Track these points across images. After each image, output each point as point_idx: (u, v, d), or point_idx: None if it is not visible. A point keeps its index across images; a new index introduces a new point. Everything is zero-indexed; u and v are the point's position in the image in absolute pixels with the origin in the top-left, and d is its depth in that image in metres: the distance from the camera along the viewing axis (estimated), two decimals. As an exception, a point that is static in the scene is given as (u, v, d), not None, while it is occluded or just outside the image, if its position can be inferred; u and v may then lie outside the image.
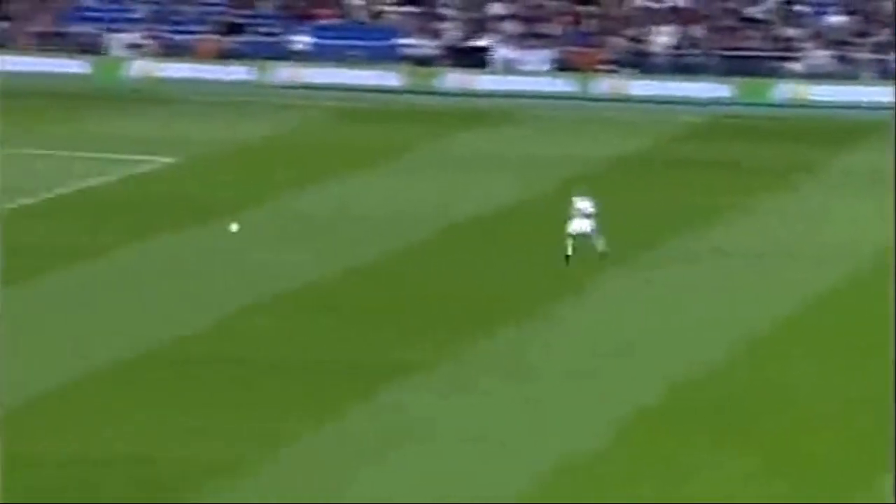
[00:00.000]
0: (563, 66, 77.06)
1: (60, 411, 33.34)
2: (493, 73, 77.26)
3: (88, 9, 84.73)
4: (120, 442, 31.60)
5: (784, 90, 72.98)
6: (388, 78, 77.25)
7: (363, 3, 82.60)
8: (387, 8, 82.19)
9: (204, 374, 36.07)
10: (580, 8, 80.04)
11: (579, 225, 44.30)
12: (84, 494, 29.01)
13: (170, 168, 58.94)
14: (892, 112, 62.92)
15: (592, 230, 44.22)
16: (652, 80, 75.02)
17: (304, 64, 78.38)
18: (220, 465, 30.41)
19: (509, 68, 77.47)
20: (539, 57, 77.67)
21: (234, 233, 44.44)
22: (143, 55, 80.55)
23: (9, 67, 79.37)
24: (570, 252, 44.16)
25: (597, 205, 44.16)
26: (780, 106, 71.23)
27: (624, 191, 55.17)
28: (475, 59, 78.19)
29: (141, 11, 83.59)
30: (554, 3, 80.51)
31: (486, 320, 39.73)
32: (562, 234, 48.64)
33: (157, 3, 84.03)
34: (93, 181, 55.86)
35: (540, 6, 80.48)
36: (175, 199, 53.46)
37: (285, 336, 38.71)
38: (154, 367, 36.45)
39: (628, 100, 73.72)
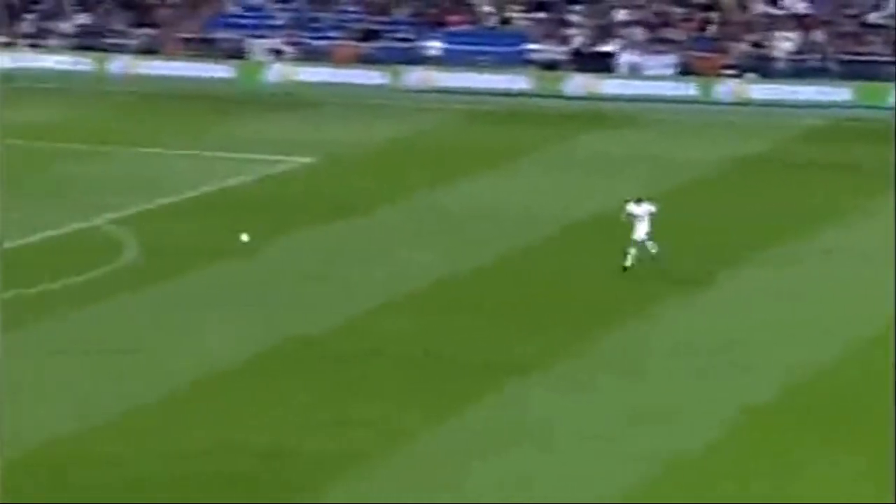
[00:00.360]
0: (685, 71, 76.73)
1: (201, 404, 33.70)
2: (617, 77, 77.02)
3: (232, 16, 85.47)
4: (257, 433, 31.93)
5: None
6: (516, 81, 77.31)
7: (493, 9, 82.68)
8: (515, 14, 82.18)
9: (337, 369, 36.32)
10: (703, 14, 79.66)
11: (639, 231, 43.12)
12: (223, 482, 29.37)
13: (307, 168, 59.32)
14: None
15: (648, 234, 43.09)
16: (773, 84, 74.53)
17: (436, 68, 78.57)
18: (351, 456, 30.66)
19: (634, 73, 77.22)
20: (663, 62, 77.38)
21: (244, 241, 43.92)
22: (284, 60, 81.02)
23: (157, 72, 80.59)
24: (629, 264, 42.99)
25: (656, 207, 43.58)
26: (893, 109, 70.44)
27: (744, 192, 55.08)
28: (601, 63, 78.06)
29: (282, 18, 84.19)
30: (678, 10, 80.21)
31: (604, 319, 39.70)
32: (683, 236, 48.58)
33: (296, 10, 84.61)
34: (234, 180, 56.35)
35: (664, 13, 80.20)
36: (312, 197, 53.85)
37: (414, 333, 38.90)
38: (290, 361, 36.83)
39: (749, 103, 73.22)
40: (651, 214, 43.11)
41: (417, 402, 33.72)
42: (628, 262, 42.68)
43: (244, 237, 44.61)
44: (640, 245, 42.74)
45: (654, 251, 42.79)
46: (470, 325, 39.51)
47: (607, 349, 37.57)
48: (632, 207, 43.24)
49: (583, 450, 31.17)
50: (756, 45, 77.53)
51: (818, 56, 76.22)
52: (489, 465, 30.46)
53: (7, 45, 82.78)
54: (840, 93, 72.86)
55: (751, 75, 75.73)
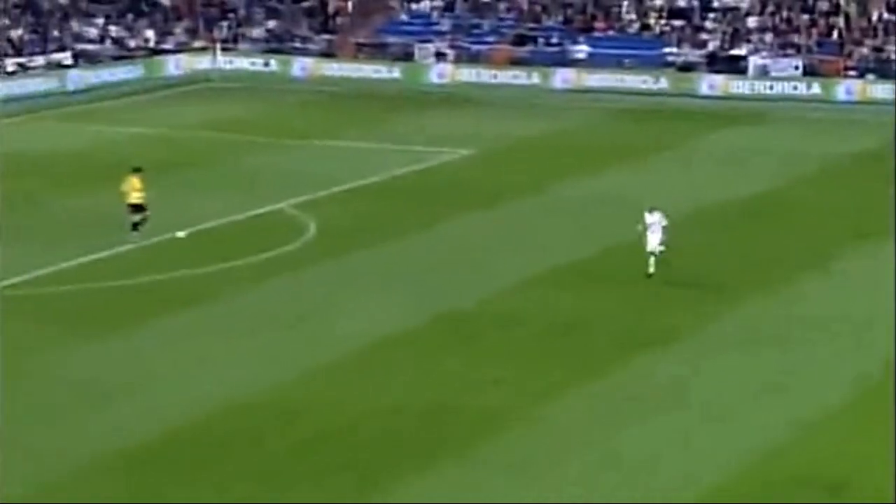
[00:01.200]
0: (810, 72, 75.87)
1: (367, 368, 34.09)
2: (748, 78, 76.35)
3: (402, 23, 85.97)
4: (417, 394, 32.15)
5: None
6: (655, 82, 76.90)
7: (634, 17, 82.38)
8: (655, 21, 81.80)
9: (491, 335, 36.48)
10: (827, 20, 78.77)
11: (653, 240, 40.62)
12: (384, 440, 29.64)
13: (466, 159, 59.51)
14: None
15: (662, 244, 40.64)
16: (891, 84, 73.40)
17: (583, 70, 78.39)
18: (501, 414, 30.76)
19: (762, 74, 76.50)
20: (789, 64, 76.58)
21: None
22: (446, 62, 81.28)
23: (335, 73, 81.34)
24: (651, 270, 40.52)
25: (667, 217, 40.93)
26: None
27: (864, 181, 54.47)
28: (732, 65, 77.46)
29: (445, 25, 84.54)
30: (803, 17, 79.36)
31: (736, 294, 39.48)
32: (810, 219, 48.18)
33: (458, 17, 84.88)
34: (401, 170, 56.71)
35: (791, 19, 79.38)
36: (470, 185, 54.05)
37: (558, 303, 38.95)
38: (445, 328, 37.08)
39: (869, 102, 72.23)
40: (664, 226, 40.77)
41: (562, 365, 33.82)
42: (650, 269, 40.50)
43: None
44: (655, 253, 40.58)
45: (660, 252, 40.65)
46: (607, 296, 39.58)
47: (740, 322, 37.27)
48: (647, 217, 40.92)
49: (711, 416, 31.02)
50: (876, 48, 76.49)
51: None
52: (629, 426, 30.46)
53: (205, 49, 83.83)
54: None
55: (871, 76, 74.69)
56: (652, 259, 40.34)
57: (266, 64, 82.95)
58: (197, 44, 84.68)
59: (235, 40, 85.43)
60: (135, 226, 44.03)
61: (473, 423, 30.38)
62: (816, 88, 74.56)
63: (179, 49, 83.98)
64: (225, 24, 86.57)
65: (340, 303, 38.95)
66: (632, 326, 36.75)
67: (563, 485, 27.45)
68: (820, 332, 36.39)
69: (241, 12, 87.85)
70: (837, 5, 79.50)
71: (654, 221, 40.62)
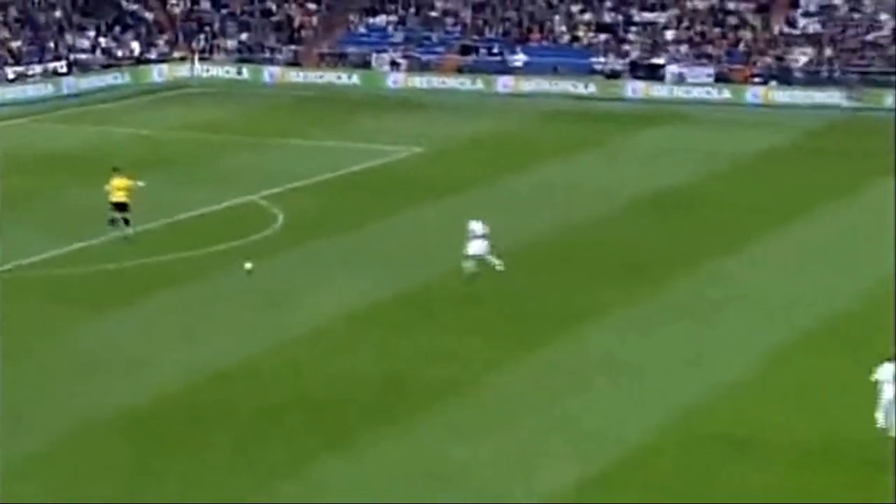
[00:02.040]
0: (721, 79, 76.01)
1: (334, 341, 33.87)
2: (666, 84, 76.38)
3: (360, 35, 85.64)
4: (378, 364, 31.92)
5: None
6: (584, 88, 76.82)
7: (566, 30, 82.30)
8: (583, 33, 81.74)
9: (446, 311, 36.30)
10: (735, 33, 78.93)
11: (475, 247, 38.10)
12: (348, 405, 29.44)
13: (419, 156, 59.29)
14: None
15: (486, 251, 38.18)
16: (792, 90, 73.69)
17: (521, 77, 78.28)
18: (455, 384, 30.55)
19: (679, 80, 76.55)
20: (702, 72, 76.68)
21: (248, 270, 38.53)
22: (400, 70, 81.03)
23: (301, 80, 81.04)
24: (468, 273, 38.21)
25: (488, 227, 38.40)
26: (893, 110, 69.46)
27: (770, 175, 54.63)
28: (653, 73, 77.53)
29: (398, 37, 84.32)
30: (715, 30, 79.49)
31: (661, 273, 39.42)
32: (724, 209, 48.18)
33: (410, 30, 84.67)
34: (360, 166, 56.40)
35: (703, 33, 79.49)
36: (424, 178, 53.90)
37: (506, 283, 38.74)
38: (405, 306, 36.88)
39: (773, 106, 72.43)
40: (485, 234, 38.27)
41: (507, 340, 33.62)
42: (467, 273, 38.21)
43: (248, 265, 38.96)
44: (479, 259, 38.20)
45: (498, 265, 38.39)
46: (550, 275, 39.44)
47: (665, 300, 37.17)
48: (472, 225, 38.41)
49: (646, 381, 30.96)
50: (778, 58, 76.71)
51: (827, 67, 75.24)
52: (568, 392, 30.35)
53: (184, 58, 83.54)
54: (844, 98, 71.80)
55: (773, 83, 74.89)
56: (471, 263, 38.20)
57: (239, 72, 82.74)
58: (177, 54, 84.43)
59: (211, 51, 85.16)
60: (112, 221, 43.23)
61: (429, 390, 30.19)
62: (727, 93, 74.71)
63: (162, 59, 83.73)
64: (202, 36, 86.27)
65: (308, 283, 38.65)
66: (571, 303, 36.61)
67: (511, 446, 27.29)
68: (734, 308, 36.33)
69: (216, 26, 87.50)
70: (744, 20, 79.71)
71: (477, 230, 38.28)
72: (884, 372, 26.33)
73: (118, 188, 43.30)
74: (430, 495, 25.03)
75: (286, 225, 45.85)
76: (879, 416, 26.11)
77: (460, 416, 28.76)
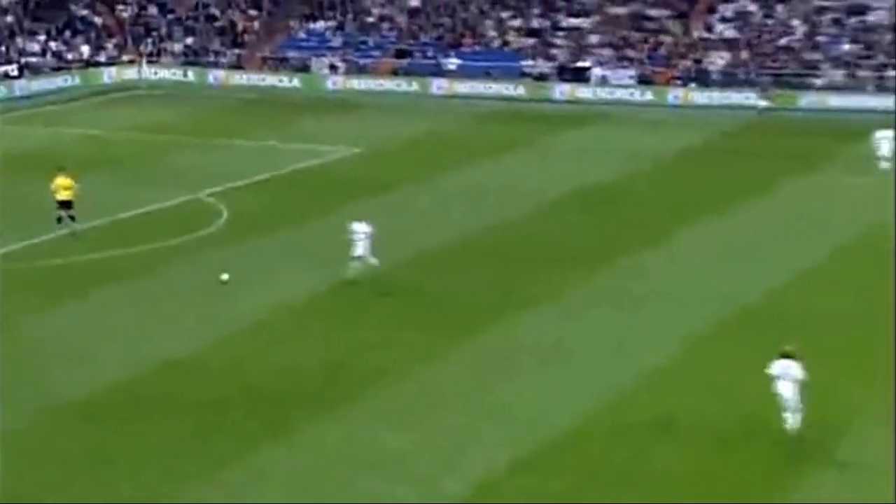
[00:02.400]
0: (643, 81, 76.27)
1: (276, 331, 33.72)
2: (591, 86, 76.56)
3: (300, 40, 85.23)
4: (319, 354, 31.80)
5: (809, 99, 71.71)
6: (514, 90, 76.84)
7: (496, 34, 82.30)
8: (513, 38, 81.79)
9: (382, 303, 36.20)
10: (656, 38, 79.24)
11: (360, 248, 37.09)
12: (288, 393, 29.33)
13: (357, 155, 59.08)
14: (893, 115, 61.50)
15: (368, 251, 37.14)
16: (710, 91, 74.06)
17: (455, 79, 78.19)
18: (388, 373, 30.51)
19: (603, 82, 76.76)
20: (625, 74, 76.92)
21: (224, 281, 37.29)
22: (338, 73, 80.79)
23: (244, 82, 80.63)
24: (353, 274, 37.08)
25: (371, 228, 37.49)
26: (806, 111, 70.00)
27: (687, 173, 54.87)
28: (578, 75, 77.61)
29: (336, 41, 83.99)
30: (636, 35, 79.75)
31: (588, 266, 39.49)
32: (647, 204, 48.31)
33: (348, 35, 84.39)
34: (301, 164, 56.17)
35: (626, 37, 79.73)
36: (362, 177, 53.66)
37: (442, 274, 38.79)
38: (342, 298, 36.70)
39: (692, 106, 72.75)
40: (368, 234, 37.25)
41: (442, 329, 33.57)
42: (350, 275, 37.17)
43: (224, 276, 37.64)
44: (361, 260, 37.19)
45: (375, 264, 37.33)
46: (484, 267, 39.42)
47: (592, 290, 37.22)
48: (356, 226, 37.49)
49: (574, 368, 31.03)
50: (696, 61, 77.08)
51: (743, 70, 75.68)
52: (500, 379, 30.34)
53: (132, 61, 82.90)
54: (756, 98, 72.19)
55: (692, 84, 75.25)
56: (356, 264, 37.18)
57: (185, 74, 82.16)
58: (125, 57, 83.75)
59: (158, 54, 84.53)
60: (59, 220, 42.80)
61: (366, 380, 30.08)
62: (649, 95, 74.87)
63: (110, 62, 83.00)
64: (149, 40, 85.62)
65: (251, 277, 38.40)
66: (502, 296, 36.58)
67: (443, 433, 27.24)
68: (655, 299, 36.40)
69: (163, 30, 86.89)
70: (664, 25, 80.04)
71: (361, 230, 37.20)
72: (776, 368, 25.98)
73: (63, 187, 42.92)
74: (365, 481, 24.95)
75: (230, 221, 45.58)
76: (787, 417, 25.93)
77: (395, 405, 28.69)
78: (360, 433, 27.15)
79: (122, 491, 24.55)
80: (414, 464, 25.69)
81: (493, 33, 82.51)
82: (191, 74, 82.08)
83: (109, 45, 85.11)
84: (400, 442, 26.62)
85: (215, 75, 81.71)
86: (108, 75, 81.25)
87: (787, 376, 25.67)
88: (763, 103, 68.97)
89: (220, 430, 27.11)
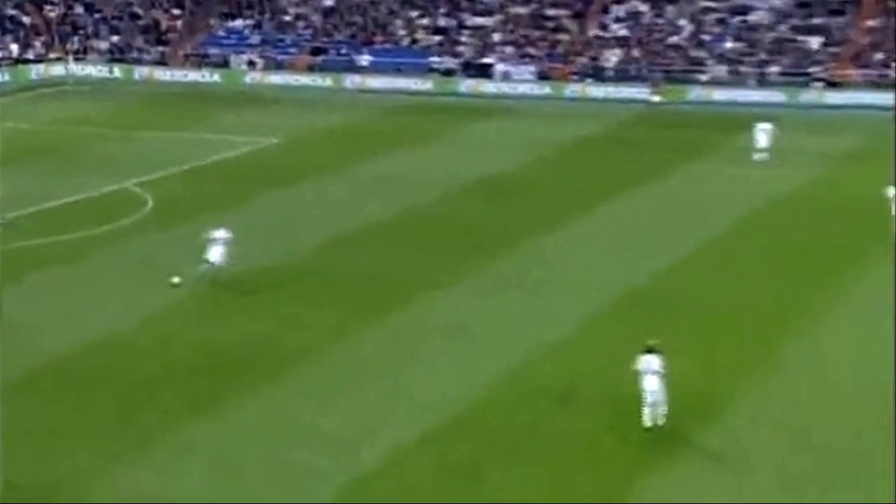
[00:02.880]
0: (543, 76, 76.63)
1: (201, 310, 33.56)
2: (495, 81, 76.79)
3: (220, 37, 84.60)
4: (236, 333, 31.70)
5: (695, 93, 72.47)
6: (423, 84, 76.87)
7: (406, 33, 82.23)
8: (422, 36, 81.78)
9: (301, 283, 36.14)
10: (555, 36, 79.62)
11: (214, 253, 35.20)
12: (212, 370, 29.16)
13: (275, 146, 58.86)
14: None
15: (223, 257, 35.32)
16: (605, 86, 74.59)
17: (367, 75, 78.05)
18: (307, 350, 30.49)
19: (506, 78, 77.03)
20: (526, 70, 77.24)
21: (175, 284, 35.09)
22: (257, 69, 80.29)
23: (167, 78, 79.85)
24: (200, 274, 35.04)
25: (230, 234, 35.87)
26: (693, 104, 70.70)
27: (584, 162, 55.20)
28: (483, 71, 77.81)
29: (255, 39, 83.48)
30: (536, 33, 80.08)
31: (492, 250, 39.68)
32: (548, 190, 48.62)
33: (265, 33, 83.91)
34: (222, 155, 55.84)
35: (527, 36, 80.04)
36: (279, 166, 53.53)
37: (357, 257, 38.79)
38: (265, 279, 36.68)
39: (588, 99, 73.23)
40: (225, 240, 35.56)
41: (358, 309, 33.58)
42: (199, 274, 35.21)
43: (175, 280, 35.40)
44: (212, 265, 35.23)
45: (214, 263, 35.34)
46: (398, 251, 39.46)
47: (496, 273, 37.40)
48: (213, 233, 35.51)
49: (479, 345, 31.23)
50: (592, 58, 77.58)
51: (635, 66, 76.29)
52: (413, 356, 30.45)
53: (60, 59, 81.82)
54: (646, 92, 72.73)
55: (589, 80, 75.75)
56: (205, 266, 35.22)
57: (110, 71, 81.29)
58: (53, 55, 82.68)
59: (85, 52, 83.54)
60: None
61: (285, 357, 30.04)
62: (548, 89, 75.23)
63: (39, 59, 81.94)
64: (76, 38, 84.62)
65: (175, 262, 38.07)
66: (414, 277, 36.63)
67: (358, 406, 27.31)
68: (553, 280, 36.65)
69: (90, 29, 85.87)
70: (562, 24, 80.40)
71: (219, 236, 35.48)
72: (641, 363, 25.58)
73: None
74: (287, 452, 24.96)
75: (155, 209, 45.23)
76: (648, 411, 25.42)
77: (314, 381, 28.69)
78: (281, 408, 27.13)
79: (56, 468, 24.33)
80: (333, 436, 25.73)
81: (402, 32, 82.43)
82: (116, 71, 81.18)
83: (38, 44, 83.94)
84: (319, 416, 26.64)
85: (140, 71, 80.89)
86: (37, 72, 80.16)
87: (651, 370, 25.47)
88: (655, 99, 69.61)
89: (147, 407, 26.94)
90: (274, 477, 23.98)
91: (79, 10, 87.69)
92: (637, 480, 23.86)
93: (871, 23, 75.93)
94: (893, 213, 39.45)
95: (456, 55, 79.64)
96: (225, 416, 26.63)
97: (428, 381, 28.65)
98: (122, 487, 23.64)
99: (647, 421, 25.46)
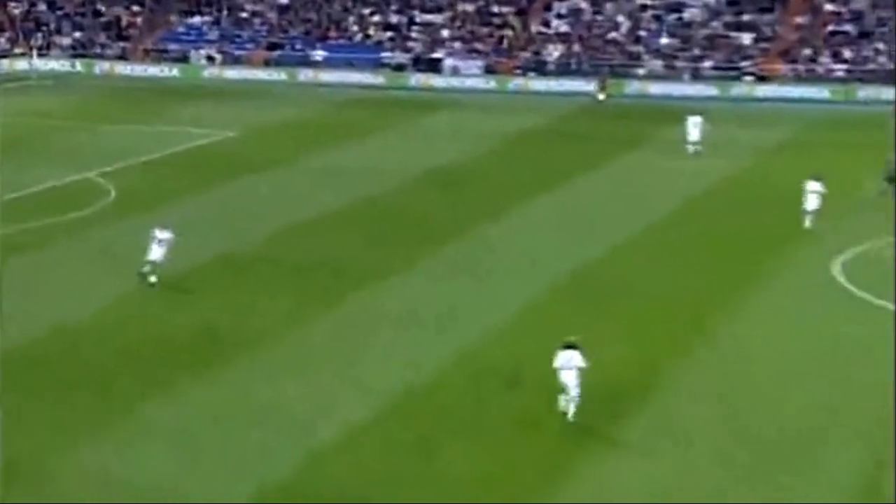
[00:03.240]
0: (489, 71, 76.69)
1: (155, 298, 33.20)
2: (444, 75, 76.75)
3: (180, 33, 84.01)
4: (194, 318, 31.51)
5: (632, 87, 72.79)
6: (375, 78, 76.72)
7: (358, 29, 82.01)
8: (374, 32, 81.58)
9: (256, 271, 36.02)
10: (500, 32, 79.68)
11: (156, 253, 33.88)
12: (170, 352, 29.13)
13: (232, 138, 58.55)
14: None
15: (162, 257, 33.91)
16: (547, 80, 74.75)
17: (321, 69, 77.78)
18: (262, 335, 30.40)
19: (454, 72, 77.01)
20: (474, 65, 77.27)
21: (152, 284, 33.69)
22: (215, 64, 79.83)
23: (128, 72, 79.30)
24: (153, 280, 33.74)
25: (170, 234, 34.37)
26: (630, 97, 71.00)
27: (528, 152, 55.33)
28: (432, 66, 77.77)
29: (213, 35, 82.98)
30: (483, 30, 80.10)
31: (440, 238, 39.69)
32: (493, 179, 48.65)
33: (223, 29, 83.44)
34: (181, 147, 55.50)
35: (473, 32, 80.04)
36: (237, 157, 53.27)
37: (310, 246, 38.70)
38: (221, 266, 36.52)
39: (531, 93, 73.37)
40: (167, 241, 34.09)
41: (310, 297, 33.51)
42: (152, 280, 33.82)
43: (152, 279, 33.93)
44: (154, 264, 33.94)
45: (152, 265, 33.87)
46: (351, 239, 39.38)
47: (443, 259, 37.42)
48: (157, 232, 34.22)
49: (428, 328, 31.28)
50: (535, 53, 77.71)
51: (576, 61, 76.50)
52: (363, 341, 30.43)
53: (24, 54, 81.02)
54: (591, 85, 73.03)
55: (532, 74, 75.87)
56: (147, 268, 34.02)
57: (73, 66, 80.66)
58: (17, 50, 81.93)
59: (49, 47, 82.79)
60: None
61: (242, 341, 29.93)
62: (493, 83, 75.29)
63: (3, 54, 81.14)
64: (40, 34, 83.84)
65: (137, 250, 37.71)
66: (365, 264, 36.53)
67: (312, 388, 27.28)
68: (499, 266, 36.69)
69: (53, 25, 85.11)
70: (507, 21, 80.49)
71: (163, 237, 34.17)
72: (560, 359, 25.20)
73: None
74: (245, 432, 24.91)
75: (117, 199, 44.93)
76: (564, 403, 25.10)
77: (270, 364, 28.58)
78: (238, 390, 27.04)
79: (19, 448, 24.15)
80: (288, 416, 25.69)
81: (355, 28, 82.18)
82: (79, 66, 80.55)
83: (2, 39, 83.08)
84: (276, 397, 26.58)
85: (101, 66, 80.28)
86: (1, 67, 79.30)
87: (569, 366, 25.02)
88: (601, 97, 69.69)
89: (107, 390, 26.78)
90: (232, 455, 23.93)
91: (42, 7, 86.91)
92: (579, 455, 24.01)
93: (798, 20, 76.53)
94: (805, 205, 39.60)
95: (407, 50, 79.53)
96: (183, 397, 26.52)
97: (380, 363, 28.64)
98: (84, 466, 23.52)
99: (566, 412, 25.04)
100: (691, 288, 33.93)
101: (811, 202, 39.83)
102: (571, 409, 25.13)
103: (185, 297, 33.35)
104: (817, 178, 40.14)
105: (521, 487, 22.76)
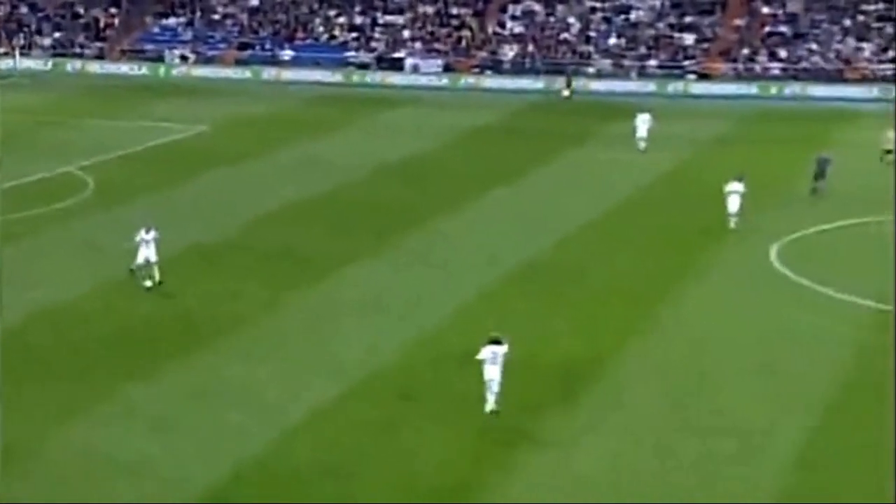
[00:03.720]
0: (448, 69, 76.73)
1: (134, 288, 33.14)
2: (406, 73, 76.71)
3: (155, 34, 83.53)
4: (172, 303, 31.48)
5: (583, 84, 72.90)
6: (339, 76, 76.59)
7: (324, 30, 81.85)
8: (339, 32, 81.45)
9: (230, 258, 36.04)
10: (458, 33, 79.73)
11: (143, 254, 32.77)
12: (151, 336, 29.05)
13: (205, 133, 58.39)
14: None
15: (153, 256, 32.80)
16: (502, 78, 74.89)
17: (287, 68, 77.58)
18: (236, 319, 30.41)
19: (415, 70, 77.01)
20: (434, 63, 77.29)
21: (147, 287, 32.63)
22: (188, 63, 79.47)
23: (106, 71, 78.83)
24: (148, 284, 32.52)
25: (157, 233, 33.28)
26: (580, 94, 70.92)
27: (484, 147, 55.45)
28: (394, 64, 77.73)
29: (187, 35, 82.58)
30: (442, 31, 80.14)
31: (401, 229, 39.75)
32: (450, 172, 48.80)
33: (196, 29, 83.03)
34: (156, 141, 55.32)
35: (433, 32, 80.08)
36: (209, 151, 53.16)
37: (279, 234, 38.74)
38: (195, 255, 36.53)
39: (486, 90, 73.42)
40: (153, 240, 32.89)
41: (287, 281, 33.60)
42: (147, 284, 32.65)
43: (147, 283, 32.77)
44: (144, 267, 32.80)
45: (150, 261, 32.82)
46: (319, 229, 39.41)
47: (392, 249, 37.44)
48: (142, 234, 33.03)
49: (390, 315, 31.41)
50: (491, 52, 77.84)
51: (529, 60, 76.68)
52: (333, 325, 30.53)
53: (6, 53, 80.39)
54: (540, 83, 73.27)
55: (488, 72, 75.97)
56: (140, 271, 33.00)
57: (54, 65, 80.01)
58: (0, 50, 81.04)
59: (30, 47, 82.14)
60: None
61: (217, 325, 29.99)
62: (452, 80, 75.29)
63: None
64: (21, 35, 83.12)
65: (116, 238, 37.64)
66: (330, 254, 36.57)
67: (283, 369, 27.40)
68: (455, 256, 36.71)
69: (34, 26, 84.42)
70: (464, 22, 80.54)
71: (149, 238, 32.94)
72: (485, 353, 24.48)
73: None
74: (221, 411, 25.01)
75: (96, 191, 44.75)
76: (489, 398, 24.44)
77: (243, 348, 28.65)
78: (214, 372, 27.11)
79: (8, 426, 24.15)
80: (261, 398, 25.80)
81: (321, 29, 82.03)
82: (59, 65, 79.92)
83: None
84: (249, 379, 26.68)
85: (80, 65, 79.71)
86: (-16, 66, 78.90)
87: (494, 361, 24.60)
88: (565, 94, 69.73)
89: (90, 372, 26.77)
90: (209, 434, 24.04)
91: (24, 9, 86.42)
92: (535, 427, 24.26)
93: (737, 21, 77.13)
94: (728, 207, 38.51)
95: (370, 50, 79.47)
96: (163, 380, 26.57)
97: (347, 347, 28.77)
98: (71, 444, 23.55)
99: (491, 406, 24.49)
100: (638, 276, 34.24)
101: (732, 204, 38.51)
102: (492, 401, 24.48)
103: (164, 284, 33.29)
104: (738, 179, 39.01)
105: (479, 460, 22.98)
